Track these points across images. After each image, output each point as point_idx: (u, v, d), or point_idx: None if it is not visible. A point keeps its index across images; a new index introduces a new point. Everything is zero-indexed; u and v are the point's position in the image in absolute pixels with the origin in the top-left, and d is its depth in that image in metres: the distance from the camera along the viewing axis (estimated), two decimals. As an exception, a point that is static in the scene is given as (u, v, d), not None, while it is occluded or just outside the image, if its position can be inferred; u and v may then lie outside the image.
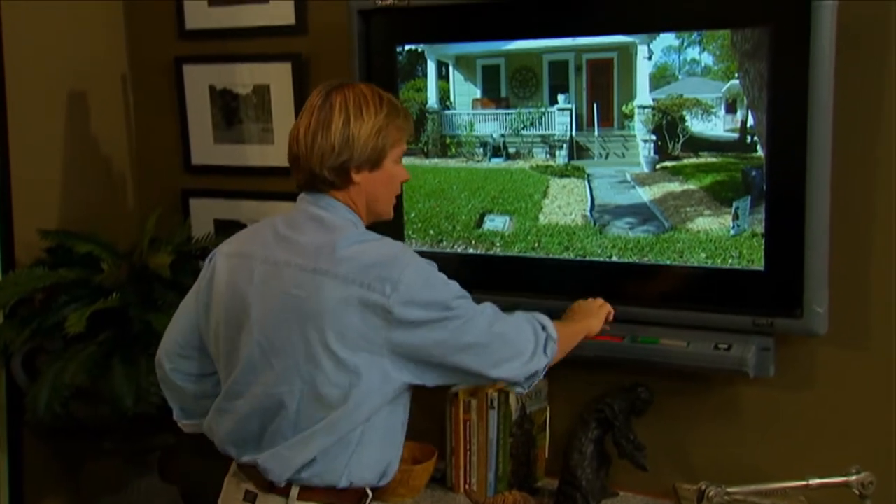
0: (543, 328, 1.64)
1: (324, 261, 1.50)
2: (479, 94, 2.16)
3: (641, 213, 2.01)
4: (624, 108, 1.99)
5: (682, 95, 1.93)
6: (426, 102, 2.20)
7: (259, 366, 1.55)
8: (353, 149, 1.54)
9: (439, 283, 1.53)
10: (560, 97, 2.06)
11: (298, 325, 1.50)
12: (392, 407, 1.56)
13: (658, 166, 1.98)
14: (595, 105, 2.03)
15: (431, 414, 1.86)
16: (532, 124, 2.11)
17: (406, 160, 2.20)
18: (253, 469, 1.58)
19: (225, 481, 1.69)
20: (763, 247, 1.88)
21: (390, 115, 1.58)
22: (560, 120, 2.07)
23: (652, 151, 1.98)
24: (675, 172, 1.96)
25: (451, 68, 2.17)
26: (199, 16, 2.56)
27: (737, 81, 1.87)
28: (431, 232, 2.24)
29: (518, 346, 1.60)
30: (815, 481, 1.73)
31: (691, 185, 1.95)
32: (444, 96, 2.19)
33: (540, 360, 1.62)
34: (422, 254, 2.22)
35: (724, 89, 1.89)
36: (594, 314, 1.83)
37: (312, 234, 1.55)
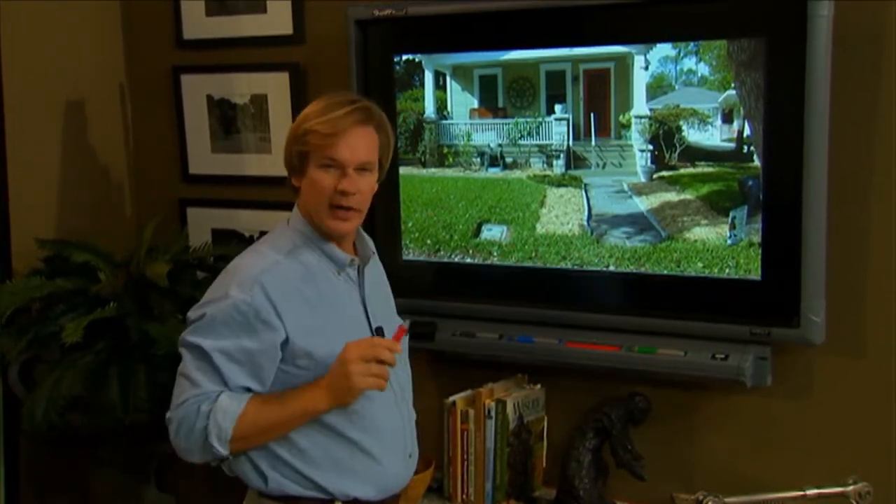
0: (205, 429, 1.49)
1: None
2: (476, 104, 2.16)
3: (638, 222, 2.01)
4: (621, 117, 2.00)
5: (678, 105, 1.94)
6: (423, 112, 2.20)
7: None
8: (287, 148, 1.58)
9: (202, 324, 1.52)
10: (557, 107, 2.07)
11: None
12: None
13: (655, 176, 1.99)
14: (592, 115, 2.03)
15: (428, 424, 1.86)
16: (529, 134, 2.11)
17: (403, 170, 2.22)
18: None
19: None
20: (760, 256, 1.88)
21: (312, 113, 1.54)
22: (557, 129, 2.08)
23: (649, 161, 1.99)
24: (672, 182, 1.97)
25: (448, 78, 2.18)
26: (196, 25, 2.57)
27: (733, 91, 1.88)
28: (429, 241, 2.24)
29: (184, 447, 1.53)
30: (812, 491, 1.73)
31: (688, 195, 1.95)
32: (441, 106, 2.19)
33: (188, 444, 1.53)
34: (419, 263, 2.26)
35: (720, 99, 1.90)
36: (334, 379, 1.49)
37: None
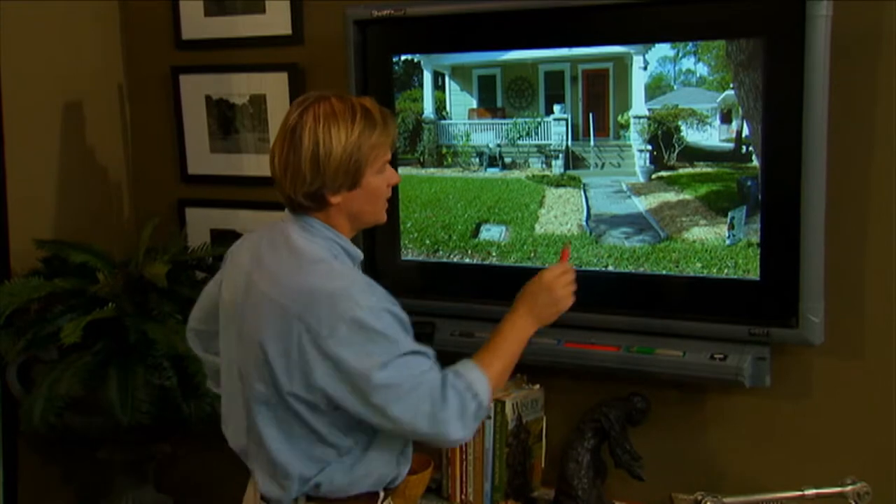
0: (474, 396, 1.52)
1: (278, 290, 1.51)
2: (475, 104, 2.16)
3: (637, 222, 2.01)
4: (619, 118, 2.00)
5: (677, 105, 1.93)
6: (422, 112, 2.20)
7: (238, 381, 1.59)
8: (325, 176, 1.50)
9: (374, 339, 1.46)
10: (556, 107, 2.07)
11: (253, 349, 1.53)
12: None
13: (654, 176, 1.99)
14: (591, 115, 2.03)
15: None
16: (528, 134, 2.11)
17: (402, 170, 2.22)
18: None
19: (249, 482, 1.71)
20: (759, 256, 1.88)
21: (364, 131, 1.52)
22: (556, 130, 2.08)
23: (647, 161, 1.99)
24: (671, 182, 1.96)
25: (447, 78, 2.18)
26: (195, 26, 2.56)
27: (732, 92, 1.87)
28: (427, 242, 2.23)
29: (442, 422, 1.49)
30: (810, 492, 1.73)
31: (687, 195, 1.95)
32: (440, 106, 2.19)
33: (463, 428, 1.52)
34: (418, 264, 2.26)
35: (719, 99, 1.90)
36: (543, 306, 1.65)
37: (281, 259, 1.55)
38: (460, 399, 1.50)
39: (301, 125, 1.51)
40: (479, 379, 1.54)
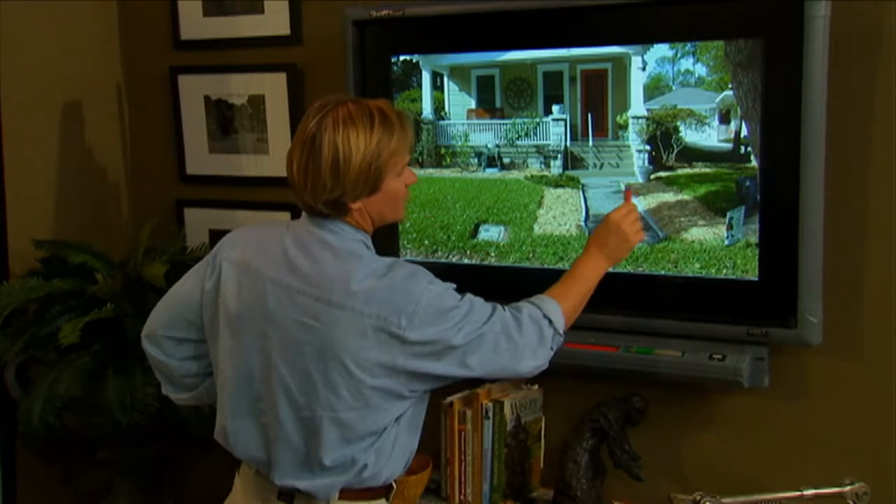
0: (550, 322, 1.62)
1: (338, 294, 1.51)
2: (473, 105, 2.16)
3: (636, 223, 2.01)
4: (618, 118, 2.00)
5: (675, 106, 1.93)
6: (421, 113, 2.20)
7: (280, 391, 1.56)
8: (345, 184, 1.51)
9: (450, 312, 1.53)
10: (554, 107, 2.06)
11: (315, 355, 1.52)
12: (417, 403, 1.62)
13: (652, 176, 1.98)
14: (589, 115, 2.03)
15: (426, 424, 1.86)
16: (527, 134, 2.11)
17: (401, 170, 2.22)
18: (293, 490, 1.60)
19: (237, 481, 1.70)
20: (757, 257, 1.88)
21: (383, 138, 1.53)
22: (554, 130, 2.07)
23: (646, 162, 1.98)
24: (670, 183, 1.96)
25: (445, 78, 2.17)
26: (194, 26, 2.56)
27: (730, 92, 1.87)
28: (426, 242, 2.23)
29: (522, 352, 1.59)
30: (809, 492, 1.73)
31: (685, 196, 1.95)
32: (438, 106, 2.19)
33: (544, 355, 1.62)
34: (416, 264, 2.25)
35: (717, 100, 1.90)
36: (615, 246, 1.72)
37: (325, 263, 1.54)
38: (538, 327, 1.59)
39: (320, 133, 1.51)
40: (554, 309, 1.62)
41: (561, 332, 1.62)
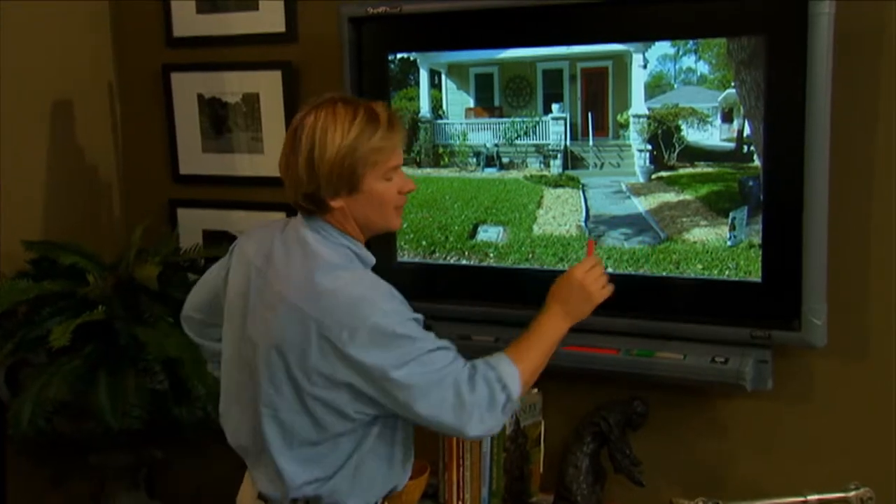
0: (504, 387, 1.51)
1: (295, 292, 1.51)
2: (472, 103, 2.14)
3: (637, 223, 1.98)
4: (619, 117, 1.97)
5: (677, 104, 1.91)
6: (418, 111, 2.18)
7: (243, 379, 1.59)
8: (320, 178, 1.50)
9: (398, 341, 1.47)
10: (554, 106, 2.04)
11: (266, 349, 1.53)
12: (381, 429, 1.56)
13: (654, 176, 1.96)
14: (590, 114, 2.01)
15: (423, 428, 1.84)
16: (526, 134, 2.08)
17: (398, 170, 2.19)
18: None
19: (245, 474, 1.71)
20: (760, 258, 1.86)
21: (362, 134, 1.50)
22: (554, 129, 2.05)
23: (647, 161, 1.96)
24: (671, 182, 1.94)
25: (443, 77, 2.15)
26: (187, 23, 2.54)
27: (733, 90, 1.85)
28: (424, 243, 2.21)
29: (469, 413, 1.49)
30: (813, 497, 1.71)
31: (687, 196, 1.93)
32: (436, 105, 2.16)
33: (493, 420, 1.52)
34: (414, 265, 2.23)
35: (720, 98, 1.87)
36: (577, 304, 1.65)
37: (294, 260, 1.55)
38: (490, 390, 1.50)
39: (302, 126, 1.52)
40: (510, 372, 1.53)
41: (515, 397, 1.53)
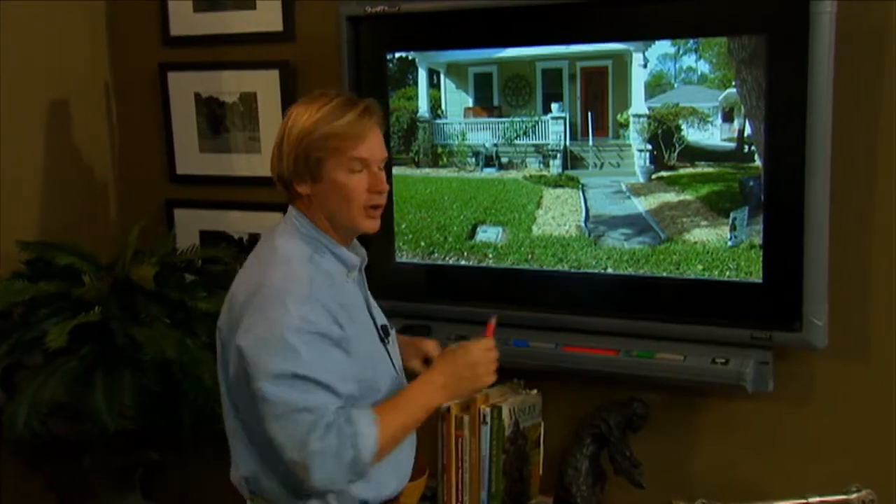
0: (354, 445, 1.44)
1: (236, 289, 1.54)
2: (471, 103, 2.13)
3: (637, 223, 1.97)
4: (619, 116, 1.97)
5: (678, 104, 1.90)
6: (417, 111, 2.16)
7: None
8: (283, 161, 1.51)
9: (283, 354, 1.42)
10: (554, 106, 2.03)
11: (222, 339, 1.58)
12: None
13: (654, 176, 1.95)
14: (589, 114, 2.00)
15: (422, 430, 1.83)
16: (525, 133, 2.07)
17: (396, 170, 2.18)
18: None
19: None
20: (761, 258, 1.85)
21: (326, 117, 1.48)
22: (554, 129, 2.04)
23: (647, 161, 1.95)
24: (672, 182, 1.93)
25: (442, 76, 2.14)
26: (184, 22, 2.52)
27: (734, 90, 1.85)
28: (422, 243, 2.20)
29: (311, 458, 1.42)
30: (814, 499, 1.70)
31: (688, 196, 1.92)
32: (435, 105, 2.15)
33: (334, 474, 1.45)
34: (413, 266, 2.22)
35: (720, 98, 1.87)
36: (460, 382, 1.56)
37: (254, 258, 1.57)
38: (339, 444, 1.43)
39: (287, 115, 1.54)
40: (367, 434, 1.45)
41: (364, 459, 1.45)
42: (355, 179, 1.51)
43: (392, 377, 1.60)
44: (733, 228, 1.88)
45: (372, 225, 1.56)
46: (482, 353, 1.57)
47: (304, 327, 1.43)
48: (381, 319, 1.65)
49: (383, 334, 1.62)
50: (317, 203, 1.53)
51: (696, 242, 1.92)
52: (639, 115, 1.94)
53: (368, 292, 1.66)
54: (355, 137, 1.49)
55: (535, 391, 2.13)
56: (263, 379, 1.42)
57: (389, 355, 1.62)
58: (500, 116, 2.09)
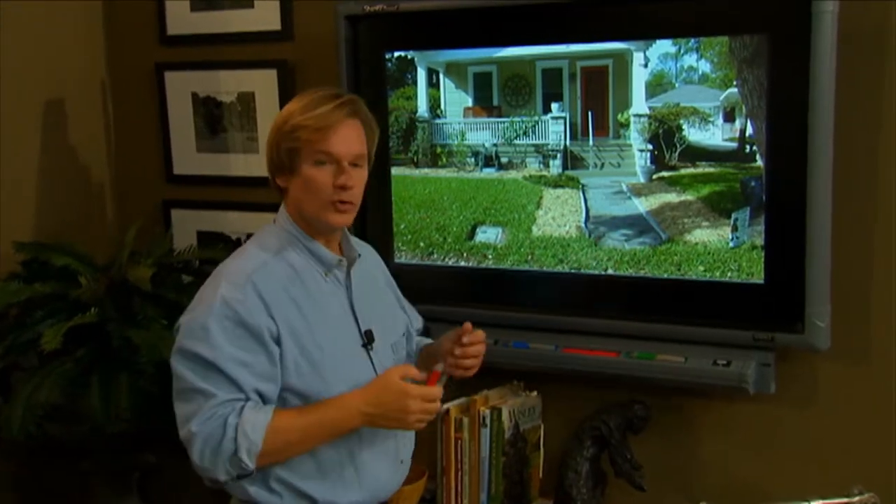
0: (235, 441, 1.42)
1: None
2: (470, 103, 2.12)
3: (638, 224, 1.96)
4: (619, 116, 1.96)
5: (678, 104, 1.89)
6: (416, 111, 2.15)
7: None
8: (267, 154, 1.55)
9: (196, 329, 1.45)
10: (554, 105, 2.02)
11: None
12: None
13: (655, 176, 1.94)
14: (590, 114, 1.99)
15: (421, 432, 1.83)
16: (525, 133, 2.06)
17: (395, 170, 2.17)
18: None
19: None
20: (763, 259, 1.85)
21: (300, 108, 1.50)
22: (554, 129, 2.03)
23: (648, 161, 1.94)
24: (673, 183, 1.92)
25: (441, 76, 2.13)
26: (181, 21, 2.51)
27: (735, 89, 1.84)
28: (422, 244, 2.19)
29: (191, 441, 1.45)
30: (816, 502, 1.68)
31: (689, 196, 1.91)
32: (434, 104, 2.14)
33: (212, 465, 1.45)
34: (412, 267, 2.21)
35: (722, 97, 1.86)
36: (382, 415, 1.49)
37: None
38: (220, 434, 1.43)
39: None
40: (252, 434, 1.43)
41: (245, 458, 1.42)
42: (321, 173, 1.50)
43: (367, 382, 1.54)
44: (735, 229, 1.87)
45: (340, 219, 1.53)
46: (419, 403, 1.48)
47: (225, 312, 1.46)
48: (372, 323, 1.61)
49: (366, 339, 1.59)
50: (292, 196, 1.55)
51: (697, 243, 1.91)
52: (639, 115, 1.93)
53: (368, 295, 1.64)
54: (324, 129, 1.49)
55: (534, 393, 2.12)
56: (174, 353, 1.48)
57: (371, 361, 1.59)
58: (500, 116, 2.08)
